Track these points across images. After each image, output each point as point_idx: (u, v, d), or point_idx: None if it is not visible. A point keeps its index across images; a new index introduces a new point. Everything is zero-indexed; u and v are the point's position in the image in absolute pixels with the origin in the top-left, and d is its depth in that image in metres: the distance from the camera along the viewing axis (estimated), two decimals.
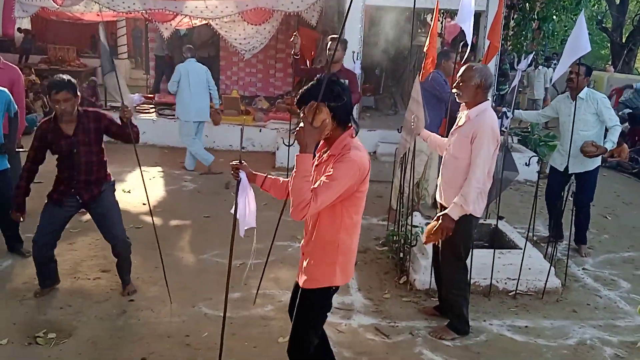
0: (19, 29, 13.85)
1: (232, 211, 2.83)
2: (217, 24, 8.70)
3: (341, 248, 2.62)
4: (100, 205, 3.95)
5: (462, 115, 3.69)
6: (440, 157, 3.95)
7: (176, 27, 9.57)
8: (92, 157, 3.86)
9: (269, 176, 2.93)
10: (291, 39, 6.16)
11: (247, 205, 2.81)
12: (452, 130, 3.78)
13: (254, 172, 2.89)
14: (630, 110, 9.97)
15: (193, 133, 7.57)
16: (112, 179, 4.07)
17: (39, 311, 3.85)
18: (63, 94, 3.65)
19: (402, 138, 4.63)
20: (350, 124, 2.57)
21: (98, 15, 9.70)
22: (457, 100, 3.70)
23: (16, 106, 4.59)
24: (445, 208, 3.71)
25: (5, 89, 4.51)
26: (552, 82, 13.06)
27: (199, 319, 3.89)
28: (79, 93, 3.80)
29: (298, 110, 2.56)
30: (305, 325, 2.74)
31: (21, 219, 4.02)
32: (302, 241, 2.76)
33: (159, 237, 4.14)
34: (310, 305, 2.70)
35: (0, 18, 10.48)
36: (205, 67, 7.65)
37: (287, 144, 6.52)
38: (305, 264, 2.70)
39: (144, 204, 6.12)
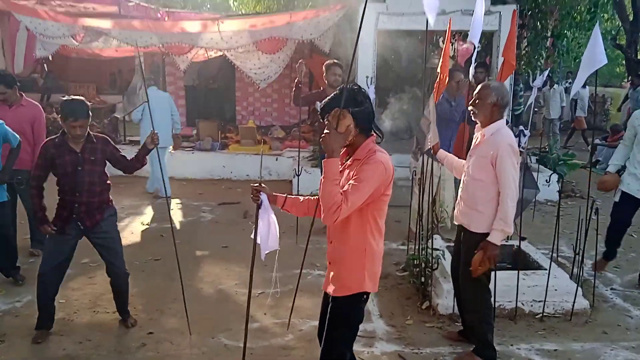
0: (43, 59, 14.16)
1: (252, 236, 2.82)
2: (232, 55, 8.84)
3: (368, 253, 2.63)
4: (102, 237, 3.88)
5: (478, 135, 3.65)
6: (455, 179, 3.89)
7: (192, 60, 9.74)
8: (94, 177, 3.76)
9: (289, 196, 2.94)
10: (297, 65, 6.19)
11: (269, 228, 2.80)
12: (470, 152, 3.72)
13: (274, 194, 2.91)
14: None
15: (156, 158, 7.67)
16: (114, 206, 3.97)
17: (58, 346, 3.83)
18: (81, 121, 3.61)
19: (410, 157, 4.56)
20: (372, 132, 2.63)
21: (116, 51, 9.94)
22: (473, 118, 3.65)
23: (18, 137, 4.63)
24: (465, 229, 3.64)
25: (2, 122, 4.55)
26: (571, 97, 12.93)
27: (218, 350, 3.84)
28: (90, 113, 3.70)
29: (322, 120, 2.62)
30: (338, 336, 2.69)
31: (52, 229, 3.77)
32: (328, 249, 2.76)
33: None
34: (343, 314, 2.67)
35: (22, 58, 10.77)
36: (167, 95, 7.84)
37: (297, 174, 6.53)
38: (333, 272, 2.70)
39: (161, 235, 6.15)
